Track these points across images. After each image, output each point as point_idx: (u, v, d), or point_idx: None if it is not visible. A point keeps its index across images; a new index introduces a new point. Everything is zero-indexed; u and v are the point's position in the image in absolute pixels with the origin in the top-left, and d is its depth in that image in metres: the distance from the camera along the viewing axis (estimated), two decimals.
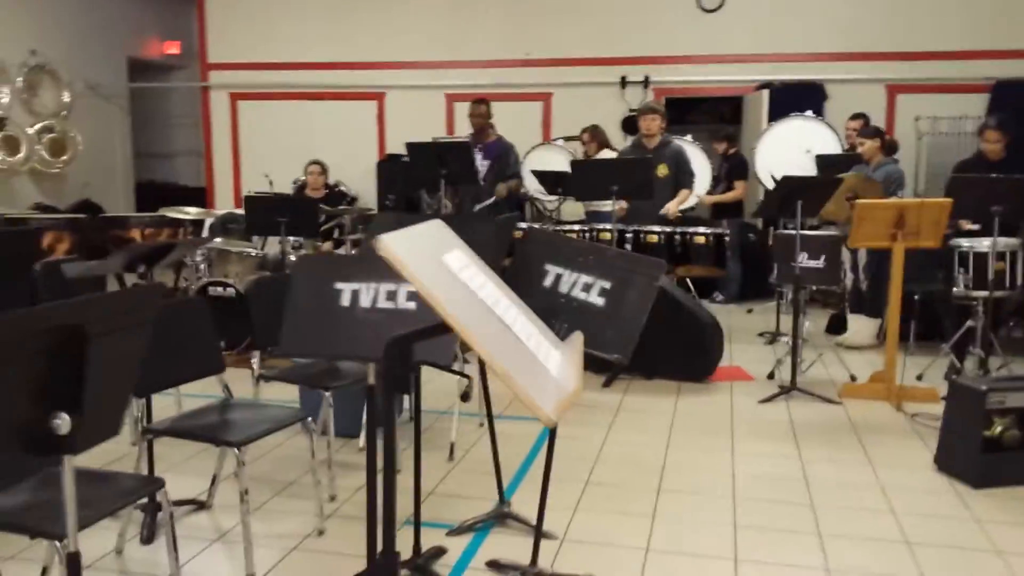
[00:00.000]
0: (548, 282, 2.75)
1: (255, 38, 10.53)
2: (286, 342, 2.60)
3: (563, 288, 2.72)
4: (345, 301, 2.58)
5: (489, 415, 3.64)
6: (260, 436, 3.08)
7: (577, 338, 2.02)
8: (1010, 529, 3.43)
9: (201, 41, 10.80)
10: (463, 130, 9.60)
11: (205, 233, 7.57)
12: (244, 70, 10.59)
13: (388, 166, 9.96)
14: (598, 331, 2.28)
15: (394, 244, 1.53)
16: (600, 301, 2.68)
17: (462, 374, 4.11)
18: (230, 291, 6.11)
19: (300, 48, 10.40)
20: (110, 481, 2.66)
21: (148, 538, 3.28)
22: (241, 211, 8.05)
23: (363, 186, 9.96)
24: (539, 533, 2.99)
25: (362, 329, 2.56)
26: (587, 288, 2.71)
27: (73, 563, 1.68)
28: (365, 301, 2.57)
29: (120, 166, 11.00)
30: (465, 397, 2.73)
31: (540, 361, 1.63)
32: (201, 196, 11.00)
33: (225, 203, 10.51)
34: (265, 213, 6.01)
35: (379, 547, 1.79)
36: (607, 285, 2.69)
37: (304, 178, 9.57)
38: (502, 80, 9.74)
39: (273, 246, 7.00)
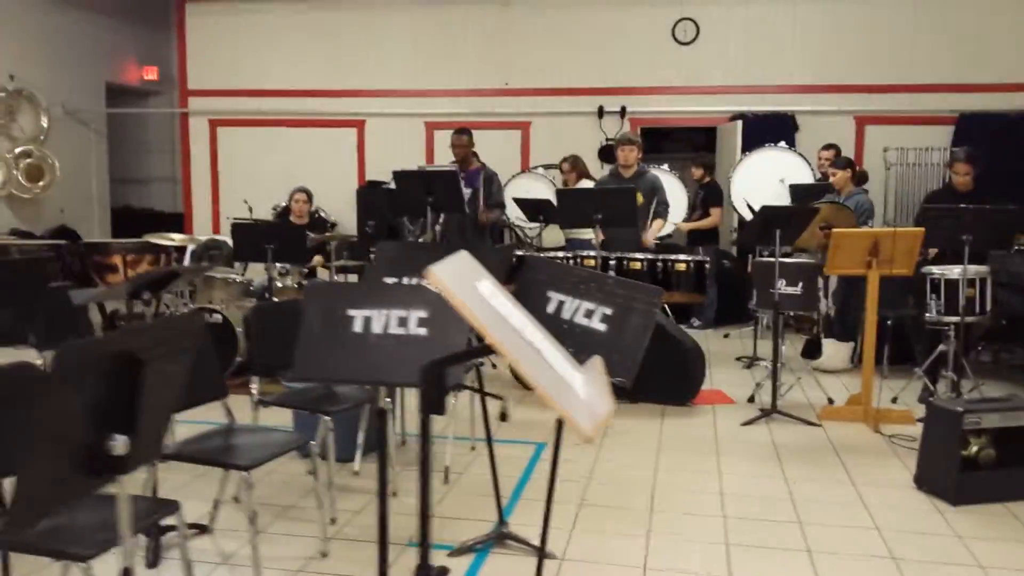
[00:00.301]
0: (551, 309, 2.85)
1: (235, 65, 10.61)
2: (300, 367, 2.67)
3: (566, 315, 2.82)
4: (357, 327, 2.65)
5: (488, 439, 3.71)
6: (267, 460, 3.15)
7: (598, 362, 2.13)
8: (990, 544, 3.57)
9: (181, 67, 10.85)
10: (442, 158, 9.76)
11: (187, 260, 7.61)
12: (223, 97, 10.65)
13: (368, 193, 10.03)
14: (602, 356, 2.38)
15: (442, 274, 1.63)
16: (602, 327, 2.79)
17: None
18: (216, 317, 6.15)
19: (280, 75, 10.50)
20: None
21: (153, 562, 3.31)
22: (223, 237, 8.11)
23: (342, 213, 10.03)
24: (543, 553, 3.07)
25: (374, 354, 2.63)
26: (589, 314, 2.82)
27: None
28: (377, 327, 2.64)
29: (96, 192, 10.96)
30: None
31: (568, 382, 1.73)
32: (179, 222, 11.00)
33: (203, 229, 10.51)
34: (252, 239, 6.07)
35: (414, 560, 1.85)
36: (608, 311, 2.80)
37: (284, 204, 9.65)
38: (481, 109, 9.90)
39: (258, 273, 7.06)
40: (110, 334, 1.46)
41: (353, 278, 7.87)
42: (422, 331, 2.63)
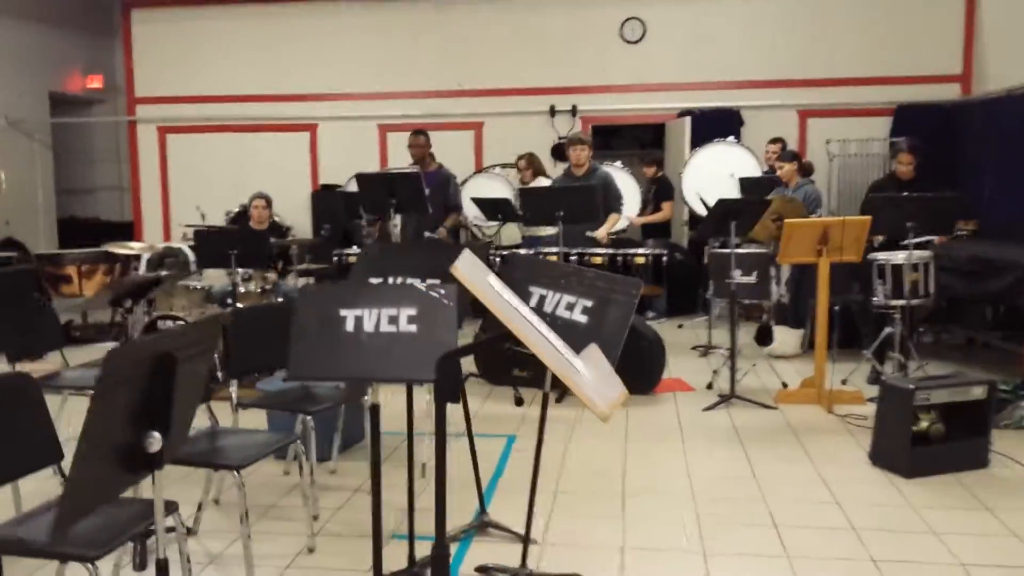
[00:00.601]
0: (533, 303, 2.97)
1: (183, 71, 10.53)
2: (295, 367, 2.75)
3: (548, 308, 2.95)
4: (349, 326, 2.75)
5: (469, 433, 3.83)
6: (256, 459, 3.23)
7: (595, 350, 2.26)
8: (942, 512, 3.80)
9: (128, 75, 10.74)
10: (396, 160, 9.82)
11: (143, 268, 7.57)
12: (172, 104, 10.57)
13: (322, 197, 10.07)
14: (584, 346, 2.51)
15: (465, 270, 1.74)
16: (583, 319, 2.92)
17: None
18: (180, 324, 6.15)
19: (230, 81, 10.46)
20: (123, 505, 2.76)
21: (141, 565, 3.35)
22: (178, 245, 8.09)
23: (296, 217, 10.03)
24: (528, 536, 3.21)
25: (367, 352, 2.73)
26: (570, 307, 2.95)
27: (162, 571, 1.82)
28: (368, 326, 2.74)
29: (42, 203, 10.79)
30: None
31: (575, 366, 1.86)
32: (127, 231, 10.88)
33: (154, 237, 10.42)
34: (216, 246, 6.09)
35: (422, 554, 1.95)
36: (589, 304, 2.94)
37: (237, 210, 9.62)
38: (434, 110, 9.99)
39: (216, 278, 7.05)
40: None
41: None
42: (412, 328, 2.73)
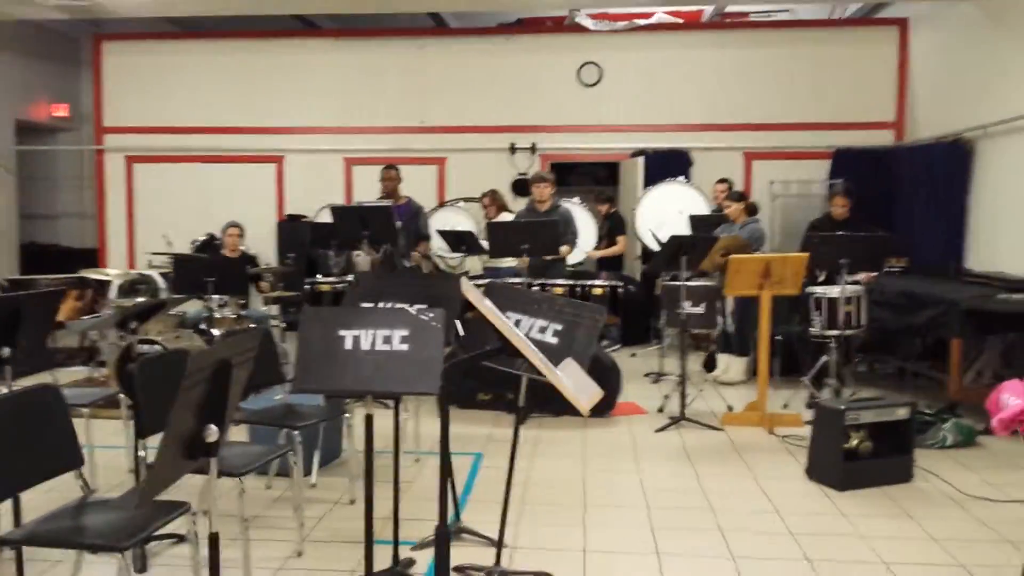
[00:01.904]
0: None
1: (152, 102, 10.77)
2: (299, 381, 3.08)
3: (523, 330, 3.32)
4: (348, 345, 3.09)
5: (445, 451, 4.15)
6: (256, 467, 3.53)
7: (572, 363, 2.64)
8: (870, 520, 4.23)
9: (96, 104, 10.94)
10: (361, 193, 10.16)
11: (113, 294, 7.76)
12: (140, 133, 10.79)
13: (288, 227, 10.35)
14: (556, 364, 2.88)
15: (471, 294, 2.11)
16: (555, 340, 3.30)
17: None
18: (157, 348, 6.38)
19: (198, 112, 10.72)
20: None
21: (142, 568, 3.63)
22: (149, 272, 8.31)
23: (262, 246, 10.28)
24: (501, 538, 3.55)
25: (364, 368, 3.07)
26: (543, 330, 3.33)
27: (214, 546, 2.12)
28: (365, 344, 3.09)
29: (5, 229, 10.88)
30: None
31: (558, 372, 2.23)
32: (91, 258, 11.00)
33: (118, 264, 10.56)
34: (193, 272, 6.36)
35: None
36: (559, 327, 3.31)
37: (203, 238, 9.87)
38: (399, 145, 10.37)
39: (189, 304, 7.28)
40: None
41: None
42: (404, 347, 3.09)
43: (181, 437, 1.93)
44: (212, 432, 1.97)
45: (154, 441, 3.51)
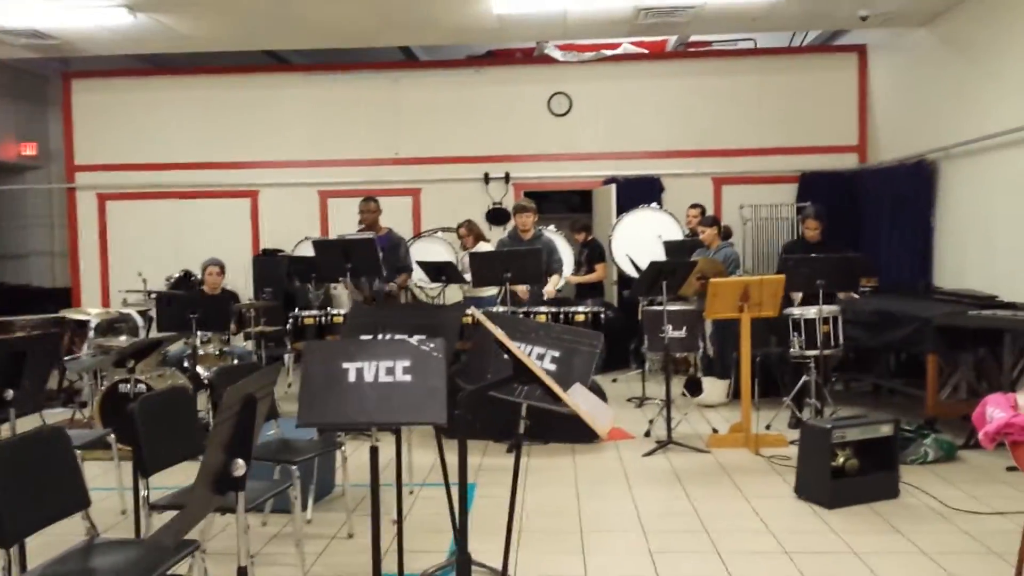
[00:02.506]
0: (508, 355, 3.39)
1: (124, 139, 10.74)
2: (304, 415, 3.09)
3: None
4: (352, 377, 3.12)
5: (446, 479, 4.18)
6: (262, 501, 3.53)
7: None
8: (861, 536, 4.32)
9: (68, 143, 10.87)
10: (337, 225, 10.19)
11: (91, 334, 7.69)
12: (112, 171, 10.74)
13: (263, 261, 10.33)
14: (548, 392, 2.93)
15: (485, 320, 2.16)
16: (553, 367, 3.36)
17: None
18: (141, 387, 6.33)
19: (171, 149, 10.71)
20: (146, 547, 3.04)
21: None
22: (127, 310, 8.25)
23: (238, 280, 10.23)
24: (506, 566, 3.58)
25: (368, 400, 3.10)
26: (540, 357, 3.39)
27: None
28: (368, 376, 3.12)
29: None
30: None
31: (574, 397, 2.29)
32: (64, 297, 10.89)
33: (93, 303, 10.47)
34: (178, 310, 6.33)
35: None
36: (557, 354, 3.38)
37: (178, 275, 9.79)
38: (373, 177, 10.43)
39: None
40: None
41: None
42: (407, 378, 3.12)
43: (212, 472, 1.95)
44: (239, 466, 1.99)
45: (156, 480, 3.52)
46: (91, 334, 7.63)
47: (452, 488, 5.10)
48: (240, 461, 2.00)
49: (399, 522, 3.64)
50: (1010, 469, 5.29)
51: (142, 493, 3.45)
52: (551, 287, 7.12)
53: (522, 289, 7.02)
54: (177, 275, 10.09)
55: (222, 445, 1.93)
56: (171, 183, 10.70)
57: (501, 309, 6.34)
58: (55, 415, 7.03)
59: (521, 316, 6.21)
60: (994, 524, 4.44)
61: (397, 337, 3.57)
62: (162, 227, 10.69)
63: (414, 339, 3.21)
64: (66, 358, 6.85)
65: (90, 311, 7.28)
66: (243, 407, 1.99)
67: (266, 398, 2.15)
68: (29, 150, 11.44)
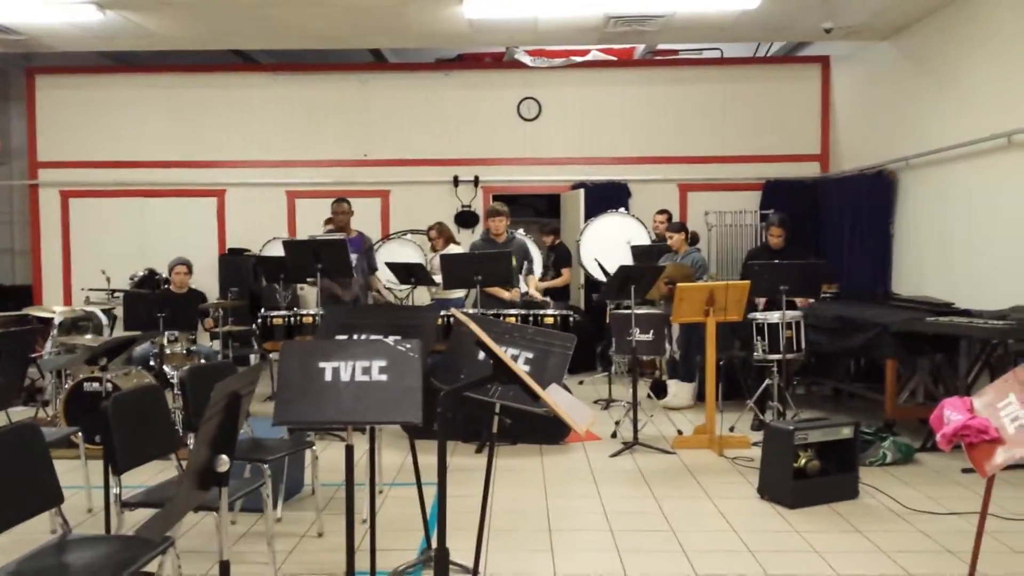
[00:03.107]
0: (482, 356, 3.45)
1: (89, 137, 10.63)
2: (279, 414, 3.12)
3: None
4: (328, 377, 3.15)
5: (418, 478, 4.23)
6: (237, 499, 3.54)
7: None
8: (821, 535, 4.43)
9: (31, 139, 10.72)
10: (305, 226, 10.16)
11: (54, 332, 7.60)
12: (76, 168, 10.61)
13: (229, 260, 10.27)
14: (527, 391, 2.98)
15: (467, 320, 2.21)
16: (527, 368, 3.42)
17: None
18: (108, 386, 6.28)
19: (136, 147, 10.61)
20: (119, 543, 3.05)
21: None
22: (91, 309, 8.16)
23: (203, 280, 10.15)
24: (477, 564, 3.63)
25: (344, 399, 3.14)
26: (514, 359, 3.44)
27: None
28: (345, 376, 3.15)
29: None
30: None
31: (553, 396, 2.35)
32: (24, 294, 10.73)
33: (54, 301, 10.34)
34: (144, 309, 6.30)
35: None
36: (531, 355, 3.44)
37: (142, 273, 9.71)
38: (342, 178, 10.42)
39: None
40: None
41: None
42: (383, 377, 3.16)
43: (198, 469, 1.98)
44: (223, 462, 2.02)
45: (129, 478, 3.53)
46: (54, 332, 7.55)
47: (425, 487, 5.18)
48: (224, 457, 2.03)
49: (372, 521, 3.67)
50: (966, 471, 5.45)
51: (114, 491, 3.44)
52: (532, 288, 7.22)
53: (535, 292, 7.11)
54: (141, 274, 9.99)
55: (207, 442, 1.96)
56: (136, 181, 10.60)
57: (471, 311, 6.38)
58: (17, 413, 6.94)
59: (492, 318, 6.26)
60: (950, 524, 4.58)
61: (373, 337, 3.60)
62: (126, 225, 10.59)
63: (390, 339, 3.25)
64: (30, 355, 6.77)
65: (55, 309, 7.20)
66: (228, 404, 2.02)
67: (248, 395, 2.18)
68: None
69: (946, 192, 7.66)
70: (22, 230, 11.33)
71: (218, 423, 1.97)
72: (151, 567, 3.83)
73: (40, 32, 8.28)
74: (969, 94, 7.30)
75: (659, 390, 7.94)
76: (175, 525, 2.16)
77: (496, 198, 10.42)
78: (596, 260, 8.25)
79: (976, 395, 3.50)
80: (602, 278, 8.16)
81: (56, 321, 7.59)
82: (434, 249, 8.51)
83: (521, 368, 3.28)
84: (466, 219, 10.37)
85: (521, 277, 7.15)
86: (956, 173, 7.48)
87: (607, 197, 10.11)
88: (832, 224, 9.83)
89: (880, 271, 8.72)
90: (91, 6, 7.38)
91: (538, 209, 12.18)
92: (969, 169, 7.28)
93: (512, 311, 6.49)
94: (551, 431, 6.30)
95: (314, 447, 4.67)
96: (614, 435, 6.56)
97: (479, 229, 10.08)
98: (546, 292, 9.24)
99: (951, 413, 3.55)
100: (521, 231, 9.20)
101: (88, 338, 6.77)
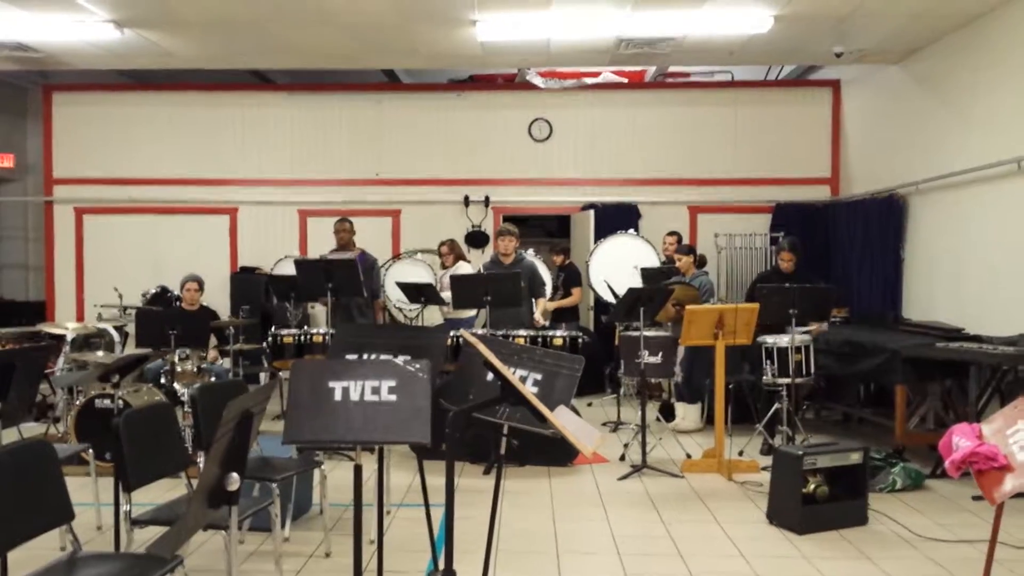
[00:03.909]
0: (491, 377, 3.45)
1: (103, 154, 10.72)
2: (289, 433, 3.13)
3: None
4: (338, 396, 3.17)
5: (426, 499, 4.22)
6: (246, 519, 3.55)
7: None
8: (831, 562, 4.41)
9: (47, 156, 10.84)
10: (316, 244, 10.23)
11: (66, 348, 7.64)
12: (90, 185, 10.71)
13: (241, 278, 10.33)
14: (535, 413, 2.99)
15: (476, 341, 2.23)
16: (535, 389, 3.43)
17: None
18: (119, 403, 6.30)
19: (150, 164, 10.70)
20: (129, 560, 3.06)
21: None
22: (103, 325, 8.20)
23: (214, 298, 10.20)
24: None
25: (353, 419, 3.15)
26: (523, 380, 3.45)
27: None
28: (354, 395, 3.17)
29: None
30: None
31: (560, 418, 2.36)
32: (38, 310, 10.80)
33: (67, 317, 10.39)
34: (156, 326, 6.34)
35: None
36: (539, 377, 3.45)
37: (155, 290, 9.76)
38: (354, 197, 10.49)
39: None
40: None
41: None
42: (392, 397, 3.18)
43: (208, 487, 1.99)
44: (234, 480, 2.04)
45: (139, 496, 3.54)
46: (67, 348, 7.59)
47: (433, 509, 5.17)
48: (235, 475, 2.04)
49: (379, 542, 3.67)
50: (976, 498, 5.41)
51: (124, 508, 3.45)
52: (539, 312, 7.23)
53: (538, 316, 7.14)
54: (154, 291, 10.05)
55: (218, 460, 1.98)
56: (150, 198, 10.69)
57: (481, 331, 6.40)
58: (28, 429, 6.98)
59: (501, 339, 6.27)
60: (960, 552, 4.55)
61: (383, 357, 3.62)
62: (139, 242, 10.66)
63: (400, 359, 3.27)
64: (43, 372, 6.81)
65: (68, 325, 7.24)
66: (240, 423, 2.04)
67: (260, 413, 2.20)
68: (6, 162, 11.37)
69: (956, 217, 7.65)
70: (36, 246, 11.42)
71: (229, 441, 1.98)
72: None
73: (58, 50, 8.39)
74: (980, 119, 7.31)
75: (668, 412, 7.92)
76: (187, 541, 2.16)
77: (507, 218, 10.47)
78: (606, 282, 8.26)
79: (985, 422, 3.49)
80: (612, 299, 8.17)
81: (68, 338, 7.63)
82: (444, 265, 8.54)
83: (529, 390, 3.30)
84: (476, 239, 10.40)
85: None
86: (966, 198, 7.48)
87: (617, 218, 10.15)
88: (842, 248, 9.82)
89: (890, 296, 8.70)
90: (109, 24, 7.48)
91: (548, 229, 12.21)
92: (979, 194, 7.28)
93: (521, 332, 6.50)
94: (559, 453, 6.30)
95: (323, 467, 4.67)
96: (623, 458, 6.55)
97: (489, 249, 10.12)
98: (555, 311, 9.28)
99: (960, 440, 3.54)
100: (531, 251, 9.25)
101: (100, 355, 6.80)
